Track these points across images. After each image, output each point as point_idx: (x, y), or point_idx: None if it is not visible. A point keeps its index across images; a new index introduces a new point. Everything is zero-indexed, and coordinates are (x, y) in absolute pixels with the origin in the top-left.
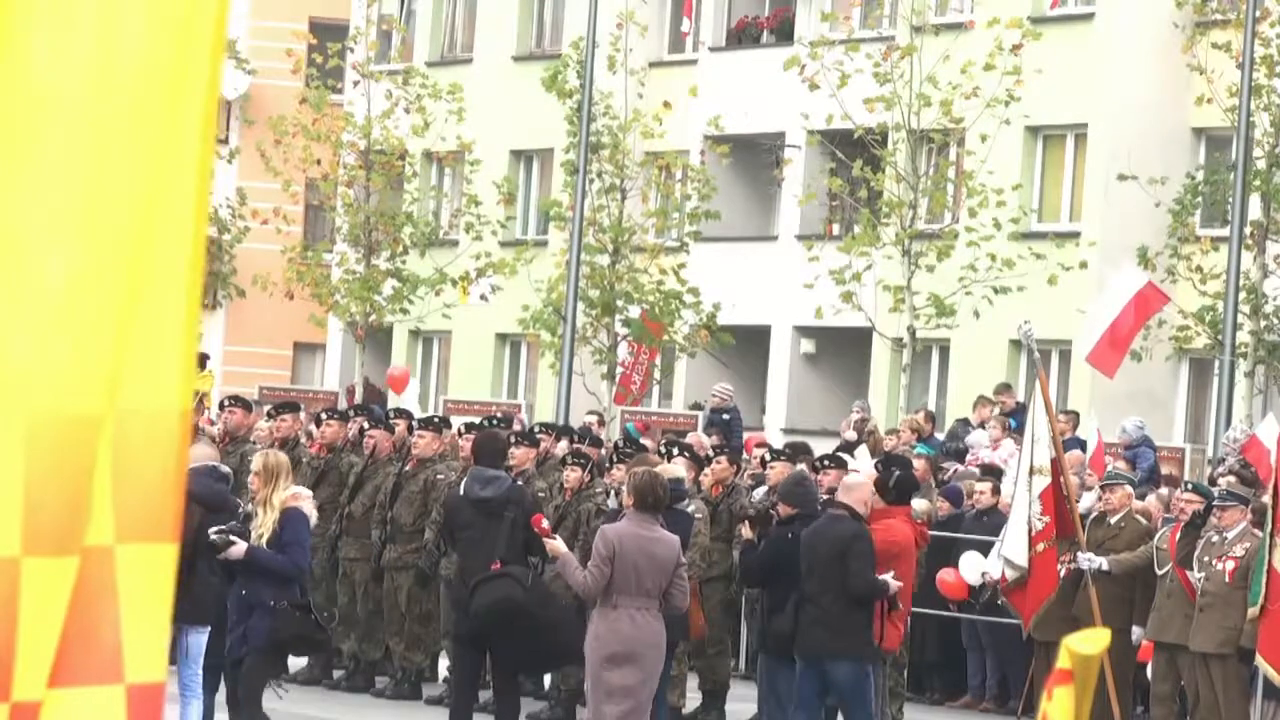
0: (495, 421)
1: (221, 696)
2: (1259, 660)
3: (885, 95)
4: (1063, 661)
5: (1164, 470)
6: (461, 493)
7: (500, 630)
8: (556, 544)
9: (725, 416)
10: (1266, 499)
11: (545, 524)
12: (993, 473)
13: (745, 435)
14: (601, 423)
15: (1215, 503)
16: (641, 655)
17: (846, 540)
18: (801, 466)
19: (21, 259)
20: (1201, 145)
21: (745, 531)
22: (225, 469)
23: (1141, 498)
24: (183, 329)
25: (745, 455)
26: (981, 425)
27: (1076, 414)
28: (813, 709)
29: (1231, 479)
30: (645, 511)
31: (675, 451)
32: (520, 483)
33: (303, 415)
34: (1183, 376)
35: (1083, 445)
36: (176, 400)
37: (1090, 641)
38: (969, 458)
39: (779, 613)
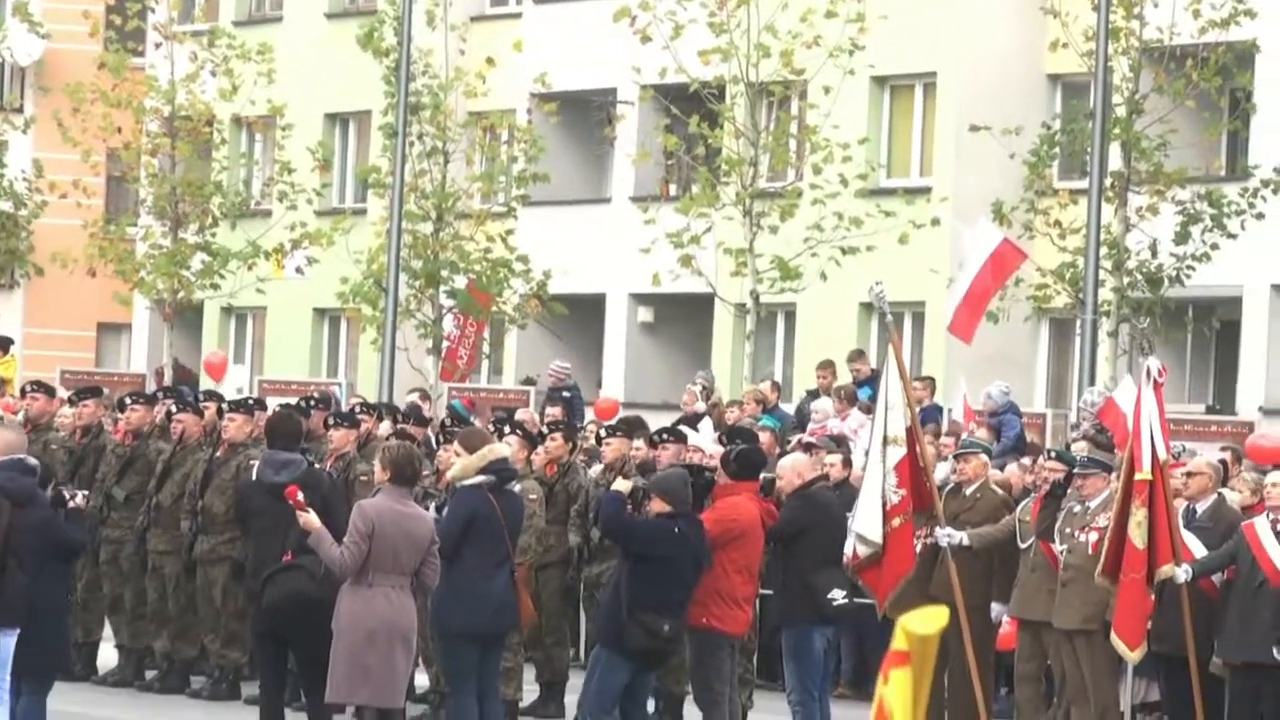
0: (311, 402)
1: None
2: (1113, 637)
3: (721, 46)
4: (899, 643)
5: (1026, 437)
6: (255, 478)
7: (294, 625)
8: (310, 518)
9: (566, 394)
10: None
11: (300, 496)
12: (842, 444)
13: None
14: (426, 398)
15: (1076, 470)
16: (400, 634)
17: None
18: (682, 470)
19: None
20: (1058, 92)
21: (623, 485)
22: (33, 461)
23: (1002, 467)
24: None
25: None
26: (826, 393)
27: (932, 380)
28: None
29: (1085, 444)
30: (402, 485)
31: (507, 430)
32: (318, 465)
33: (107, 399)
34: (1043, 338)
35: (940, 412)
36: None
37: (927, 621)
38: (811, 426)
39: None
